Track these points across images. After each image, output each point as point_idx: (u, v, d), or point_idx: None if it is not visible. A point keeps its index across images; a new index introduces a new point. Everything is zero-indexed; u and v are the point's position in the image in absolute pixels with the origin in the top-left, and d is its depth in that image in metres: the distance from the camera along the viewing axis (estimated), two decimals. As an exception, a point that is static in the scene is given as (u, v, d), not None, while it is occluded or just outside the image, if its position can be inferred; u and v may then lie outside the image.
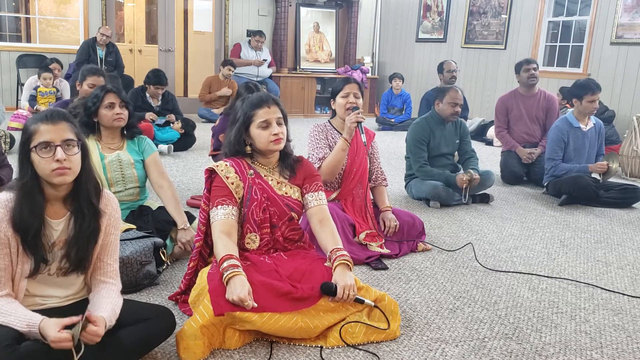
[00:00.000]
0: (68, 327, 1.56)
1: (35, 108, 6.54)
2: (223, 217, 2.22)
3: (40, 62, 7.45)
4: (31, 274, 1.72)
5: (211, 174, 2.32)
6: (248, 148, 2.35)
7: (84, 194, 1.76)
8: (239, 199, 2.29)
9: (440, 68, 6.17)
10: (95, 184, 1.80)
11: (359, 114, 3.06)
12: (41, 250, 1.70)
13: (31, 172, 1.68)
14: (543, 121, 5.22)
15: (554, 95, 5.38)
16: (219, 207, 2.24)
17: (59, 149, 1.66)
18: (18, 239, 1.68)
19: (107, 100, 2.81)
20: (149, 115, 5.77)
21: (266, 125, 2.28)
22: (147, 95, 5.85)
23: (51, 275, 1.77)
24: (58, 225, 1.75)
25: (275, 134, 2.28)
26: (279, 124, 2.30)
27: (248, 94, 3.81)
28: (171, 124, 5.94)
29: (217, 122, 4.33)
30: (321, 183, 2.46)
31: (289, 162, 2.41)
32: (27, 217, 1.67)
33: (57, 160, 1.65)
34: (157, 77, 5.74)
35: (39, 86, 6.69)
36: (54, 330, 1.53)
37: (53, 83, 6.80)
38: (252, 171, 2.33)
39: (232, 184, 2.28)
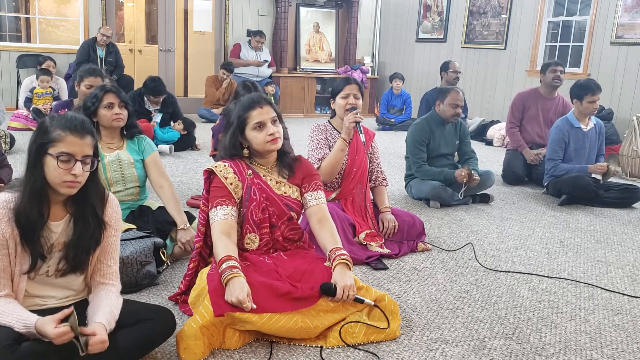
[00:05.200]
0: (63, 320, 1.56)
1: (31, 109, 6.53)
2: (222, 217, 2.22)
3: (40, 63, 7.44)
4: (29, 271, 1.72)
5: (210, 174, 2.32)
6: (245, 151, 2.35)
7: (89, 204, 1.75)
8: (238, 199, 2.29)
9: (445, 67, 6.13)
10: (101, 194, 1.80)
11: (357, 114, 3.06)
12: (39, 248, 1.70)
13: (42, 174, 1.67)
14: None
15: (571, 104, 5.36)
16: (218, 207, 2.23)
17: (78, 163, 1.66)
18: (17, 239, 1.68)
19: (106, 100, 2.81)
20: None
21: (261, 126, 2.28)
22: (145, 99, 5.78)
23: (49, 276, 1.77)
24: (57, 228, 1.75)
25: (271, 134, 2.27)
26: (273, 123, 2.30)
27: (245, 92, 3.82)
28: (172, 124, 5.94)
29: (217, 122, 4.34)
30: (320, 182, 2.46)
31: (287, 161, 2.41)
32: (35, 217, 1.67)
33: (73, 174, 1.65)
34: (155, 87, 5.60)
35: (35, 87, 6.68)
36: (51, 327, 1.53)
37: (50, 83, 6.79)
38: (250, 171, 2.33)
39: (231, 184, 2.28)
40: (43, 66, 6.96)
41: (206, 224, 2.31)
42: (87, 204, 1.75)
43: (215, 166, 2.32)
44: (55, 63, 7.33)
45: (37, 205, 1.67)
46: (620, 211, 4.31)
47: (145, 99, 5.75)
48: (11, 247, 1.68)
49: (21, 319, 1.59)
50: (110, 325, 1.67)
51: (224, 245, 2.15)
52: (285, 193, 2.37)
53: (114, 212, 1.86)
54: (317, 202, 2.39)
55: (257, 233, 2.31)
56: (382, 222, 3.22)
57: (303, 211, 2.45)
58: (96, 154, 1.73)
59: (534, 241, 3.51)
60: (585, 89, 4.42)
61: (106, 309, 1.72)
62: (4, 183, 3.29)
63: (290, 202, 2.37)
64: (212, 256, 2.30)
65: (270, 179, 2.36)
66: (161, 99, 5.78)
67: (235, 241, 2.23)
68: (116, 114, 2.82)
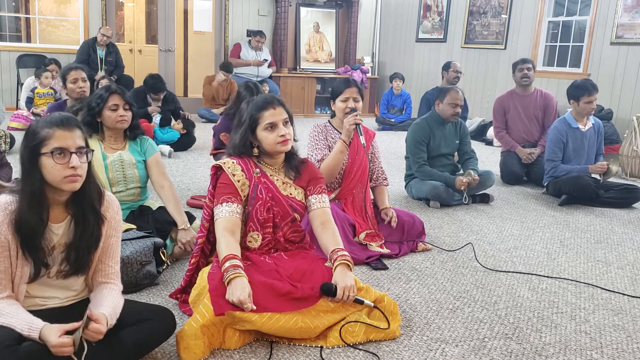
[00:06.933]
0: (69, 332, 1.55)
1: (31, 110, 6.55)
2: (227, 214, 2.22)
3: (40, 63, 7.45)
4: (31, 279, 1.72)
5: (217, 170, 2.32)
6: (255, 150, 2.35)
7: (88, 201, 1.75)
8: (244, 197, 2.29)
9: (447, 66, 6.16)
10: (98, 189, 1.79)
11: (356, 115, 3.07)
12: (41, 254, 1.70)
13: (40, 178, 1.66)
14: (541, 120, 5.24)
15: (551, 94, 5.40)
16: (224, 204, 2.23)
17: (74, 156, 1.65)
18: (18, 243, 1.67)
19: (112, 101, 2.81)
20: (152, 109, 5.79)
21: (272, 127, 2.28)
22: (150, 95, 5.87)
23: (51, 277, 1.77)
24: (58, 229, 1.74)
25: (282, 135, 2.28)
26: (285, 124, 2.30)
27: (248, 93, 3.83)
28: (172, 124, 5.96)
29: (219, 122, 4.35)
30: (325, 186, 2.47)
31: (294, 163, 2.42)
32: (35, 222, 1.66)
33: (72, 167, 1.64)
34: (155, 85, 5.71)
35: (36, 87, 6.69)
36: (55, 335, 1.53)
37: (51, 84, 6.81)
38: (258, 170, 2.34)
39: (239, 181, 2.28)
40: (48, 68, 6.98)
41: (210, 219, 2.30)
42: (86, 200, 1.75)
43: (224, 162, 2.32)
44: (60, 67, 7.34)
45: (37, 210, 1.66)
46: (620, 211, 4.31)
47: (149, 96, 5.84)
48: (12, 249, 1.67)
49: (26, 322, 1.59)
50: (111, 320, 1.67)
51: (227, 244, 2.15)
52: (290, 194, 2.37)
53: (115, 213, 1.86)
54: (321, 205, 2.39)
55: (260, 232, 2.32)
56: (385, 214, 3.24)
57: (306, 213, 2.45)
58: (87, 146, 1.72)
59: (534, 241, 3.51)
60: (581, 90, 4.43)
61: (109, 304, 1.73)
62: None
63: (295, 203, 2.37)
64: (214, 252, 2.30)
65: (277, 179, 2.36)
66: (162, 96, 5.85)
67: (238, 239, 2.23)
68: (121, 115, 2.82)
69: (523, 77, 5.17)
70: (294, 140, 2.38)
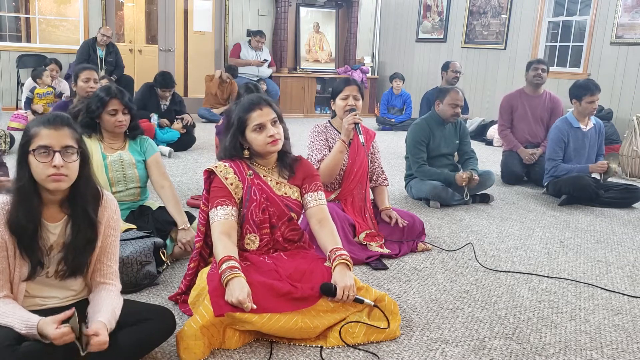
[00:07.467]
0: (65, 321, 1.56)
1: (25, 112, 6.56)
2: (222, 217, 2.22)
3: (40, 62, 7.46)
4: (28, 277, 1.71)
5: (210, 174, 2.32)
6: (246, 152, 2.34)
7: (81, 203, 1.74)
8: (238, 199, 2.29)
9: (446, 67, 6.17)
10: (95, 192, 1.78)
11: (355, 115, 3.06)
12: (37, 253, 1.69)
13: (28, 175, 1.66)
14: (547, 122, 5.22)
15: (559, 98, 5.39)
16: (219, 207, 2.23)
17: (57, 154, 1.64)
18: (15, 242, 1.67)
19: (111, 106, 2.81)
20: (162, 122, 5.84)
21: (261, 128, 2.28)
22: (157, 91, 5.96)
23: (49, 277, 1.77)
24: (55, 229, 1.74)
25: (271, 136, 2.27)
26: (274, 124, 2.30)
27: (247, 94, 3.83)
28: (174, 122, 5.98)
29: (221, 121, 4.36)
30: (320, 183, 2.45)
31: (287, 162, 2.41)
32: (24, 219, 1.65)
33: (54, 166, 1.63)
34: (164, 81, 5.84)
35: (35, 87, 6.70)
36: (52, 327, 1.53)
37: (52, 83, 6.81)
38: (251, 172, 2.33)
39: (231, 184, 2.28)
40: (47, 68, 6.98)
41: (206, 223, 2.30)
42: (80, 203, 1.74)
43: (216, 166, 2.31)
44: (60, 67, 7.34)
45: (26, 207, 1.66)
46: (620, 211, 4.31)
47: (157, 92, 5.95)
48: (10, 249, 1.67)
49: (22, 319, 1.59)
50: (110, 325, 1.67)
51: (224, 246, 2.14)
52: (285, 194, 2.37)
53: (113, 213, 1.85)
54: (318, 203, 2.38)
55: (257, 233, 2.31)
56: (389, 216, 3.23)
57: (303, 212, 2.45)
58: (82, 147, 1.71)
59: (534, 241, 3.51)
60: (584, 90, 4.43)
61: (107, 308, 1.72)
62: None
63: (291, 202, 2.37)
64: (212, 256, 2.29)
65: (271, 180, 2.36)
66: (169, 94, 5.95)
67: (235, 241, 2.23)
68: (119, 121, 2.83)
69: (536, 76, 5.15)
70: (285, 138, 2.37)
